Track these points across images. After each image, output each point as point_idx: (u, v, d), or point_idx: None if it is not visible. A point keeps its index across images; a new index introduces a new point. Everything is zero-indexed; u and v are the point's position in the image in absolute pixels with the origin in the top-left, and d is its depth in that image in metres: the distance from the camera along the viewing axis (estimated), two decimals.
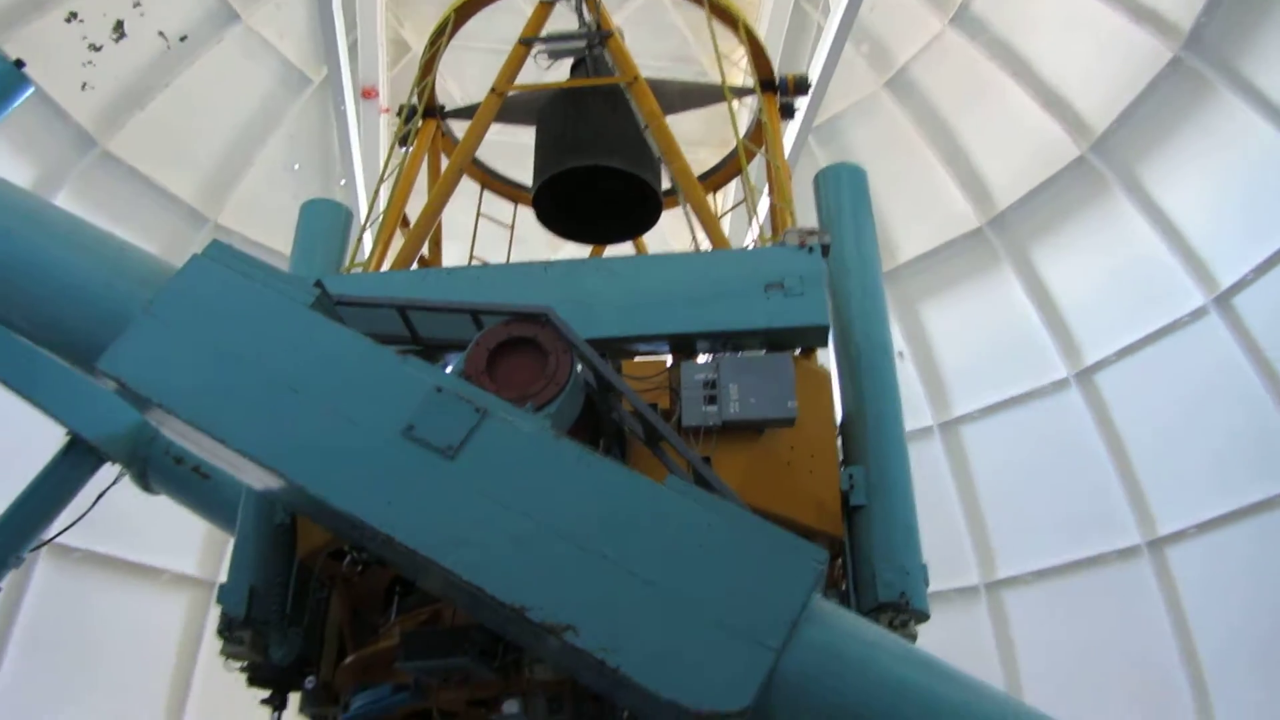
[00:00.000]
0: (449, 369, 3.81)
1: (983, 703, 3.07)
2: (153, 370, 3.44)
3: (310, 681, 4.80)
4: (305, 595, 4.81)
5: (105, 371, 3.44)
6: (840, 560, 4.46)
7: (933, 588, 4.50)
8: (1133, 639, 12.52)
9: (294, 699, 5.14)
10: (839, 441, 4.67)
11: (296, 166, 14.49)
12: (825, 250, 4.64)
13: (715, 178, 7.68)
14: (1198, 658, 11.78)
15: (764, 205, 6.82)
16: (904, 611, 4.18)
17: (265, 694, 5.00)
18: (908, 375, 14.39)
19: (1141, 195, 12.60)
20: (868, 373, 4.86)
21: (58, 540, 6.56)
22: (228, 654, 4.79)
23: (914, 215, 14.75)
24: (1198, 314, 12.02)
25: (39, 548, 6.77)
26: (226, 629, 4.66)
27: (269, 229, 13.16)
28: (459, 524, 3.12)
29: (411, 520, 3.14)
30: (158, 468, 6.42)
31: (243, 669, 4.91)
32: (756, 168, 6.91)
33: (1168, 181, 12.39)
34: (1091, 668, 12.62)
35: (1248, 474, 11.53)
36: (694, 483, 3.37)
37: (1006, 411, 14.34)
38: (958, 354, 14.96)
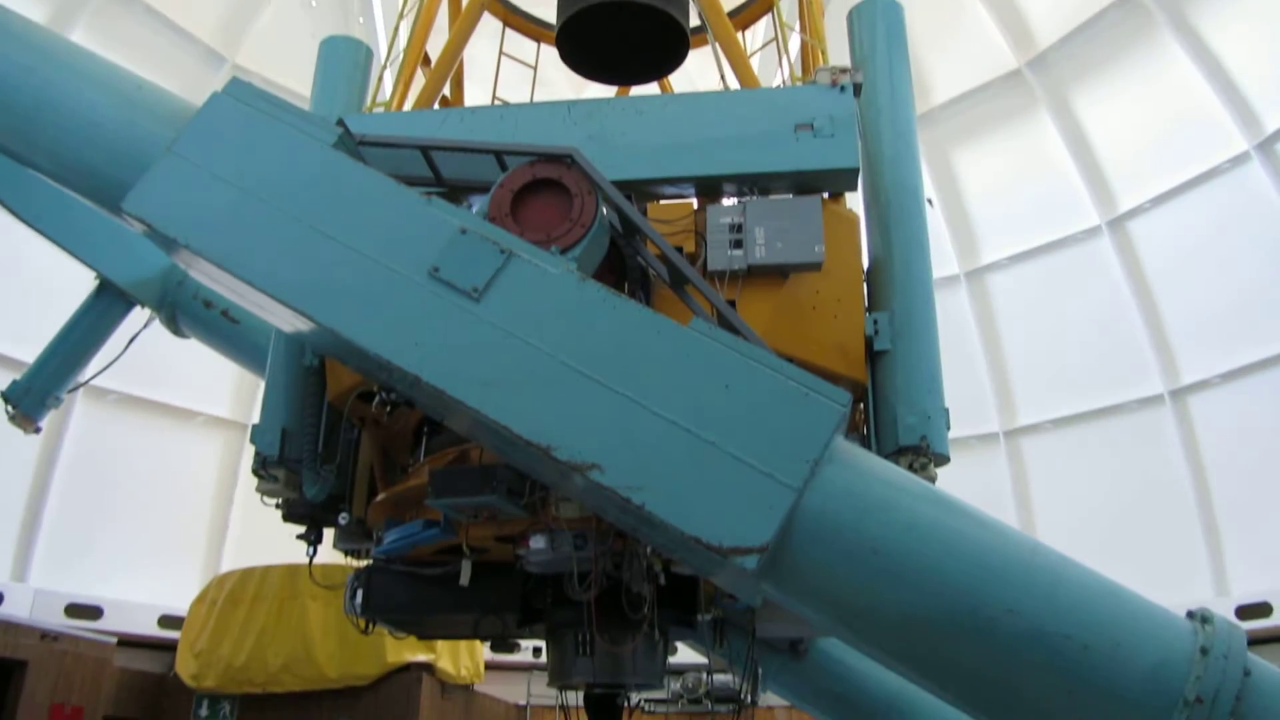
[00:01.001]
0: (474, 210, 3.77)
1: (1003, 542, 3.12)
2: (178, 210, 3.42)
3: (343, 517, 4.95)
4: (336, 435, 4.92)
5: (130, 213, 3.43)
6: (862, 404, 4.48)
7: (953, 434, 4.53)
8: (1149, 486, 12.71)
9: (328, 534, 5.32)
10: (865, 287, 4.64)
11: (314, 2, 14.08)
12: (857, 90, 4.49)
13: (745, 14, 7.38)
14: (1212, 505, 11.96)
15: (795, 43, 6.59)
16: (924, 455, 4.22)
17: (300, 529, 5.17)
18: (936, 222, 14.19)
19: (1191, 36, 12.09)
20: (896, 218, 4.77)
21: (93, 383, 6.69)
22: (263, 491, 4.93)
23: (950, 55, 14.26)
24: (1239, 160, 11.71)
25: (76, 389, 6.91)
26: (261, 467, 4.78)
27: (287, 69, 12.89)
28: (485, 364, 3.14)
29: (438, 361, 3.16)
30: (187, 311, 6.47)
31: (278, 505, 5.06)
32: (788, 3, 6.64)
33: (1220, 19, 11.87)
34: (1107, 513, 12.86)
35: (1276, 324, 11.45)
36: (718, 325, 3.36)
37: (1035, 260, 14.21)
38: (988, 201, 14.72)
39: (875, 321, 4.46)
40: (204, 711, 10.89)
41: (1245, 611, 10.73)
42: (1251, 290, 11.81)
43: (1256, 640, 9.79)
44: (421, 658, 10.76)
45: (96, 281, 6.40)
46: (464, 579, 4.51)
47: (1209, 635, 2.94)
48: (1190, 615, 3.12)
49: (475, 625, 5.13)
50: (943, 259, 14.42)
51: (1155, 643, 2.95)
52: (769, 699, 12.80)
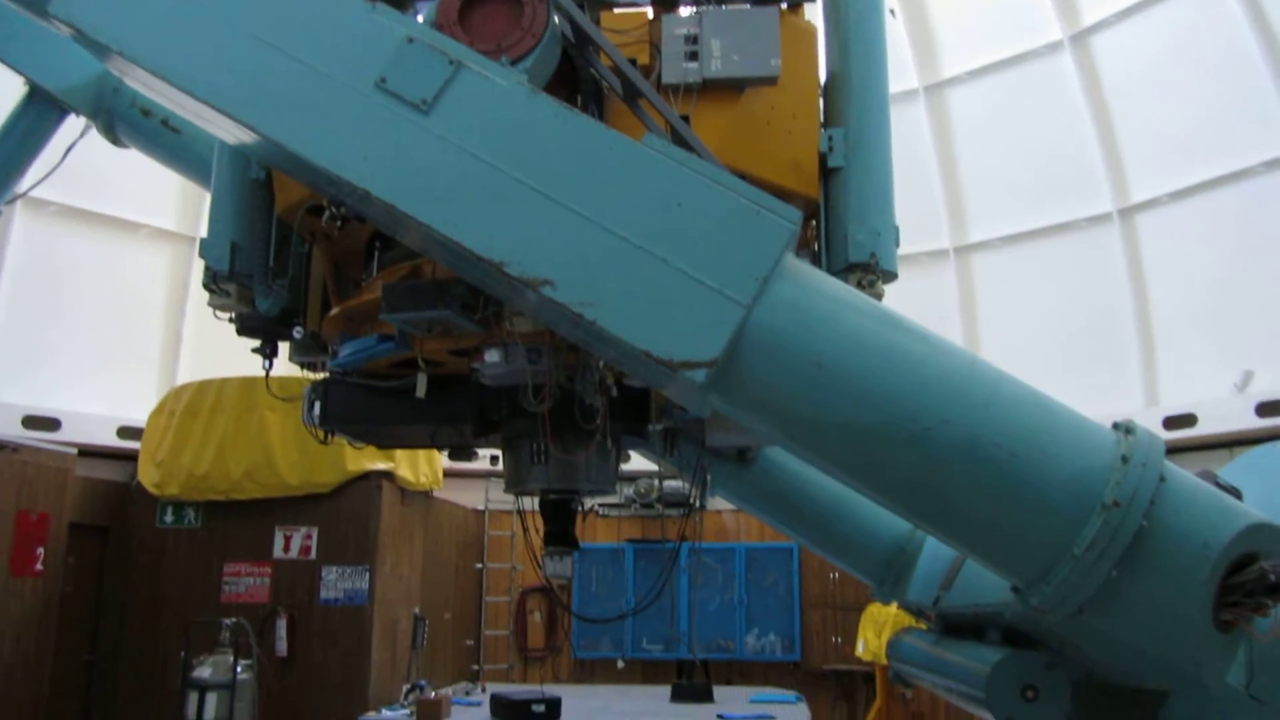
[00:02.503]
0: (420, 18, 3.64)
1: (942, 356, 3.23)
2: (109, 14, 3.26)
3: (298, 332, 4.97)
4: (287, 250, 4.87)
5: (58, 16, 3.27)
6: (814, 221, 4.51)
7: (903, 250, 4.59)
8: (1091, 303, 13.02)
9: (283, 347, 5.35)
10: (821, 102, 4.58)
11: None
12: None
13: None
14: (1150, 321, 12.32)
15: None
16: (872, 272, 4.28)
17: (255, 343, 5.19)
18: (896, 34, 13.88)
19: None
20: (855, 30, 4.65)
21: (32, 194, 6.52)
22: (215, 306, 4.92)
23: None
24: None
25: (13, 201, 6.73)
26: (212, 282, 4.75)
27: None
28: (436, 179, 3.12)
29: (387, 175, 3.13)
30: (125, 120, 6.25)
31: (231, 320, 5.06)
32: None
33: None
34: (1048, 330, 13.22)
35: (1228, 142, 11.51)
36: (672, 141, 3.34)
37: (994, 75, 14.02)
38: (952, 13, 14.35)
39: (830, 138, 4.43)
40: (169, 517, 11.17)
41: (1172, 422, 11.23)
42: (1209, 109, 11.80)
43: (1181, 448, 10.35)
44: (381, 466, 11.02)
45: (26, 88, 6.13)
46: (420, 391, 4.60)
47: (1130, 445, 3.11)
48: (1115, 426, 3.29)
49: (432, 436, 5.26)
50: (902, 72, 14.16)
51: (1080, 451, 3.12)
52: (717, 503, 13.36)
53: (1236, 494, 3.35)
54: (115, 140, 6.42)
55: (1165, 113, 12.22)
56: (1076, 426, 3.22)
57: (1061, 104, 13.20)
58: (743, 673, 14.11)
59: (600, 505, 14.81)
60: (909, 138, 13.36)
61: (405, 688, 10.53)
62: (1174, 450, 3.18)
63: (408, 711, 9.90)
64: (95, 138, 6.41)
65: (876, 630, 11.42)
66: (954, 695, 5.06)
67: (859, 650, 12.03)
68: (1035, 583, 3.15)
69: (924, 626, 6.46)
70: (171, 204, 13.44)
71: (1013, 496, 3.09)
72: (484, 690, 11.82)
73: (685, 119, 3.88)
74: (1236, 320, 11.43)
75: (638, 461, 13.82)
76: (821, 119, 4.54)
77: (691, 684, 11.96)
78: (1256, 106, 11.15)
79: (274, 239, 4.79)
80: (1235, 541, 3.01)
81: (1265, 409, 10.55)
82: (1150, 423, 3.14)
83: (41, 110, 6.11)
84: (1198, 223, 11.96)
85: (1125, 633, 3.20)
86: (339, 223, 4.28)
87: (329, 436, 5.39)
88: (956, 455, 3.08)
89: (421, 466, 11.95)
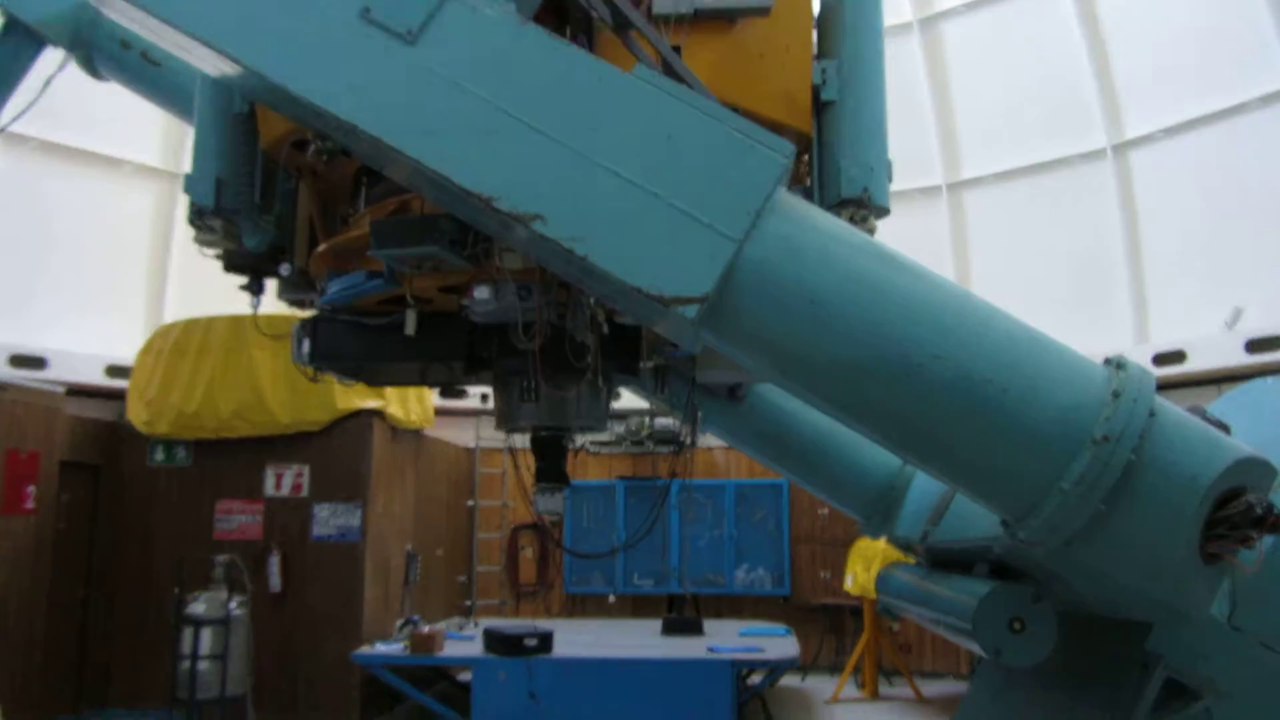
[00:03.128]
0: None
1: (935, 292, 3.21)
2: None
3: (285, 269, 4.92)
4: (273, 185, 4.81)
5: None
6: (806, 156, 4.46)
7: (896, 186, 4.55)
8: (1084, 240, 13.00)
9: (271, 285, 5.31)
10: (814, 34, 4.51)
11: None
12: None
13: None
14: (1141, 258, 12.32)
15: None
16: (864, 207, 4.25)
17: (242, 280, 5.14)
18: None
19: None
20: None
21: (11, 129, 6.40)
22: (201, 242, 4.87)
23: None
24: None
25: None
26: (197, 217, 4.69)
27: None
28: (423, 112, 3.06)
29: (374, 108, 3.07)
30: (104, 52, 6.12)
31: (218, 256, 5.01)
32: None
33: None
34: (1040, 266, 13.21)
35: (1224, 77, 11.41)
36: (663, 73, 3.28)
37: (989, 7, 13.82)
38: None
39: (823, 70, 4.37)
40: (159, 455, 11.18)
41: (1161, 358, 11.27)
42: (1205, 44, 11.67)
43: (1171, 385, 10.41)
44: (371, 404, 11.02)
45: (1, 19, 5.99)
46: (409, 329, 4.57)
47: (1121, 380, 3.11)
48: (1107, 362, 3.29)
49: (422, 373, 5.24)
50: (896, 5, 13.96)
51: (1071, 387, 3.12)
52: (708, 440, 13.43)
53: (1225, 429, 3.37)
54: (95, 74, 6.29)
55: (1161, 47, 12.09)
56: (1068, 362, 3.22)
57: (1057, 39, 13.05)
58: (732, 607, 14.29)
59: (591, 442, 14.88)
60: (903, 73, 13.20)
61: (399, 623, 10.64)
62: (1164, 387, 3.19)
63: (402, 646, 10.02)
64: (75, 71, 6.28)
65: (865, 565, 11.55)
66: (941, 628, 5.13)
67: (847, 584, 12.18)
68: (1024, 517, 3.18)
69: (912, 561, 6.54)
70: (155, 139, 13.25)
71: (1003, 432, 3.10)
72: (477, 625, 11.96)
73: (676, 50, 3.81)
74: (1228, 257, 11.44)
75: (629, 399, 13.86)
76: (815, 51, 4.47)
77: (682, 618, 12.13)
78: (1253, 41, 11.04)
79: (259, 174, 4.72)
80: (1223, 476, 3.03)
81: (1255, 345, 10.59)
82: (1140, 359, 3.15)
83: (18, 42, 5.97)
84: (1192, 159, 11.90)
85: (1112, 566, 3.24)
86: (325, 157, 4.22)
87: (318, 374, 5.37)
88: (948, 391, 3.08)
89: (412, 405, 11.96)
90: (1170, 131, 12.08)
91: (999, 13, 13.71)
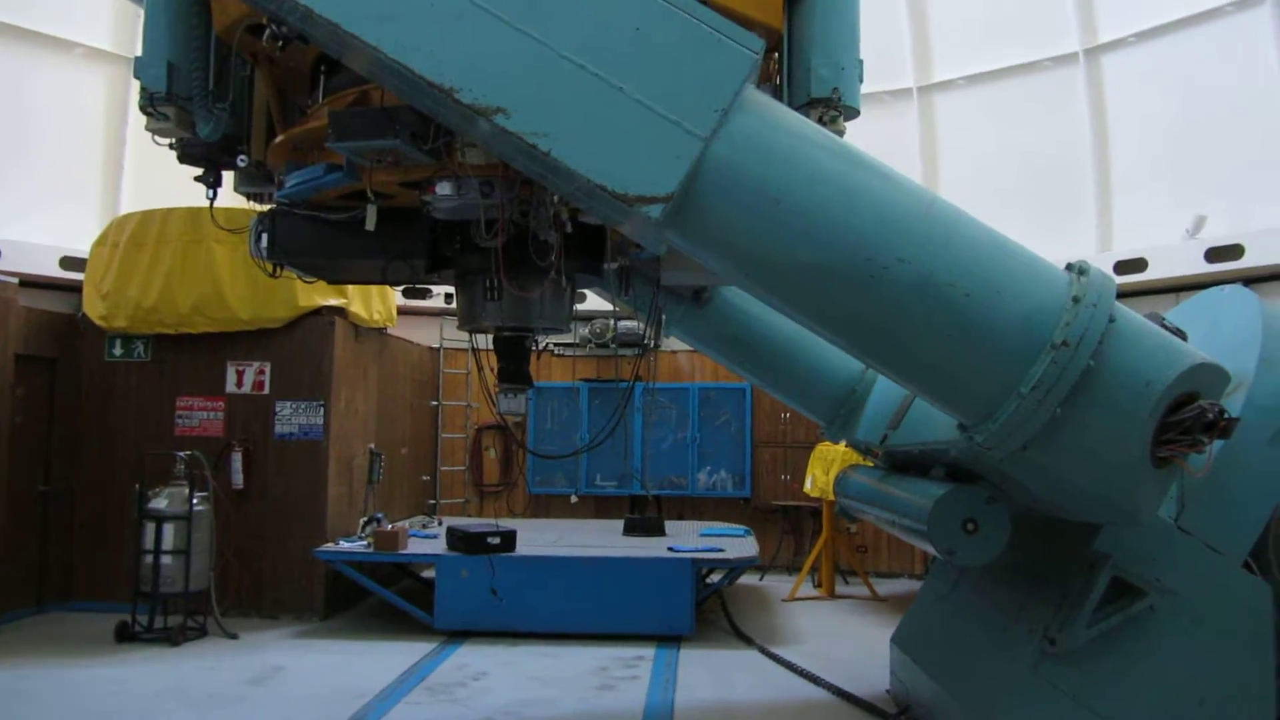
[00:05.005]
0: None
1: (901, 195, 3.19)
2: None
3: (242, 159, 4.81)
4: (227, 71, 4.66)
5: None
6: (776, 54, 4.38)
7: (866, 88, 4.49)
8: (1052, 146, 12.96)
9: (228, 177, 5.18)
10: None
11: None
12: None
13: None
14: (1109, 165, 12.31)
15: None
16: (834, 107, 4.19)
17: (198, 171, 5.01)
18: None
19: None
20: None
21: None
22: (154, 130, 4.73)
23: None
24: None
25: None
26: (149, 104, 4.55)
27: None
28: None
29: None
30: None
31: (172, 146, 4.87)
32: None
33: None
34: (1008, 171, 13.18)
35: None
36: None
37: None
38: None
39: None
40: (117, 350, 11.03)
41: (1123, 266, 11.35)
42: None
43: (1132, 293, 10.50)
44: (334, 302, 10.89)
45: None
46: (370, 224, 4.50)
47: (1083, 286, 3.13)
48: (1069, 267, 3.30)
49: (383, 271, 5.17)
50: None
51: (1033, 291, 3.14)
52: (672, 343, 13.48)
53: (1182, 336, 3.41)
54: None
55: None
56: (1031, 267, 3.23)
57: None
58: (694, 508, 14.51)
59: (555, 344, 14.86)
60: None
61: (362, 520, 10.70)
62: (1124, 294, 3.21)
63: (365, 543, 10.10)
64: None
65: (825, 468, 11.72)
66: (897, 529, 5.25)
67: (807, 487, 12.38)
68: (982, 420, 3.22)
69: (870, 464, 6.65)
70: (106, 20, 12.74)
71: (965, 336, 3.12)
72: (440, 523, 12.05)
73: None
74: (1193, 165, 11.44)
75: (594, 301, 13.82)
76: None
77: (643, 518, 12.28)
78: None
79: (213, 60, 4.57)
80: (1178, 381, 3.07)
81: (1214, 254, 10.67)
82: (1103, 266, 3.18)
83: None
84: (1163, 66, 11.81)
85: (1066, 469, 3.30)
86: (280, 43, 4.08)
87: (278, 269, 5.28)
88: (912, 295, 3.08)
89: (374, 303, 11.84)
90: (1143, 35, 11.96)
91: None
